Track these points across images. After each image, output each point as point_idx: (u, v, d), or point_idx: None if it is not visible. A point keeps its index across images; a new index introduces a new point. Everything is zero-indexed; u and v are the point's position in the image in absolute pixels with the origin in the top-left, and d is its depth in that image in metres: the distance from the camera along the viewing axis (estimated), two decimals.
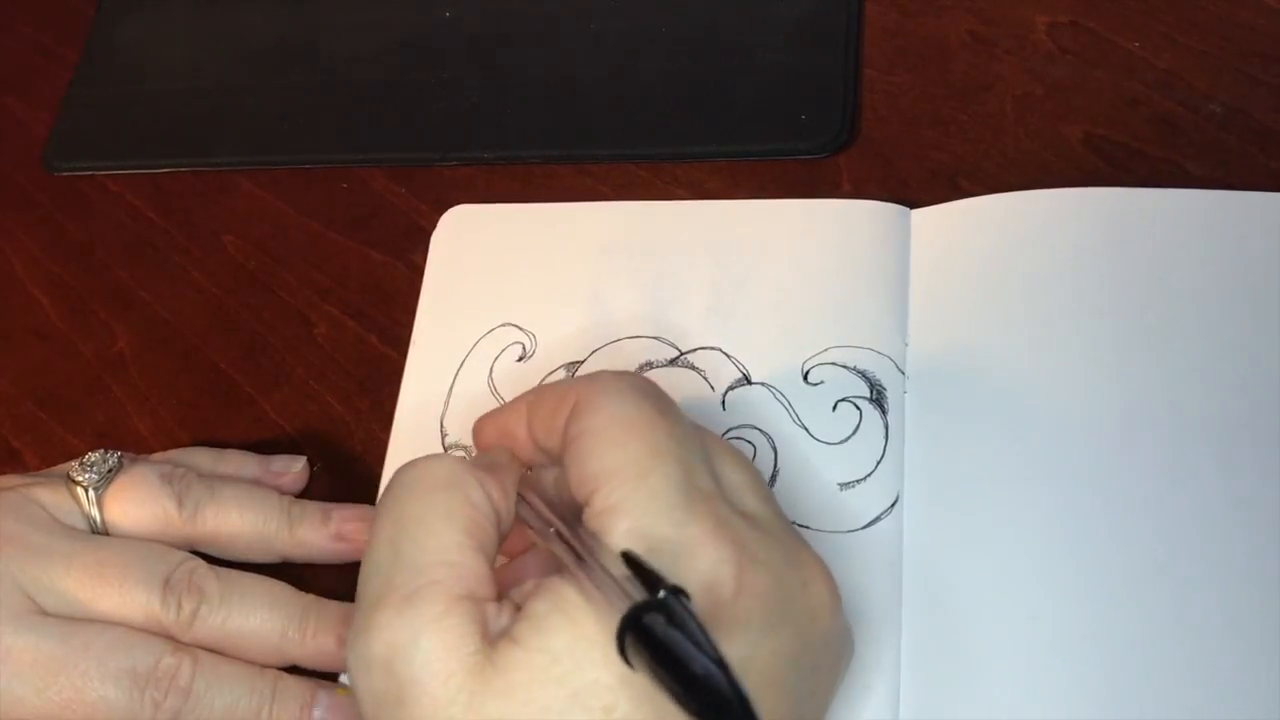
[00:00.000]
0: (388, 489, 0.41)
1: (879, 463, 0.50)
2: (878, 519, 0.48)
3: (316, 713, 0.46)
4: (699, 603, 0.35)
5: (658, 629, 0.33)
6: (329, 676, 0.48)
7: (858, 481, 0.49)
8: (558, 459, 0.41)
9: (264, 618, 0.47)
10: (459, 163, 0.61)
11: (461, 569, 0.38)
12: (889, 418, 0.50)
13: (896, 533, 0.48)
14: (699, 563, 0.37)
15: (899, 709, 0.45)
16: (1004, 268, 0.52)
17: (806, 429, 0.51)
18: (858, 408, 0.51)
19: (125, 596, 0.46)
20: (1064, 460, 0.48)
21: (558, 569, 0.39)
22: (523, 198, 0.59)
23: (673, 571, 0.35)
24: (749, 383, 0.52)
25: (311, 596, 0.48)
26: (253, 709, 0.46)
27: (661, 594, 0.33)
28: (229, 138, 0.64)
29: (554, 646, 0.36)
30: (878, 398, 0.51)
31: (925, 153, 0.57)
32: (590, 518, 0.38)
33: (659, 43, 0.62)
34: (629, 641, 0.33)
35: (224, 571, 0.47)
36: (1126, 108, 0.57)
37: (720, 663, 0.32)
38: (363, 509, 0.51)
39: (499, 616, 0.38)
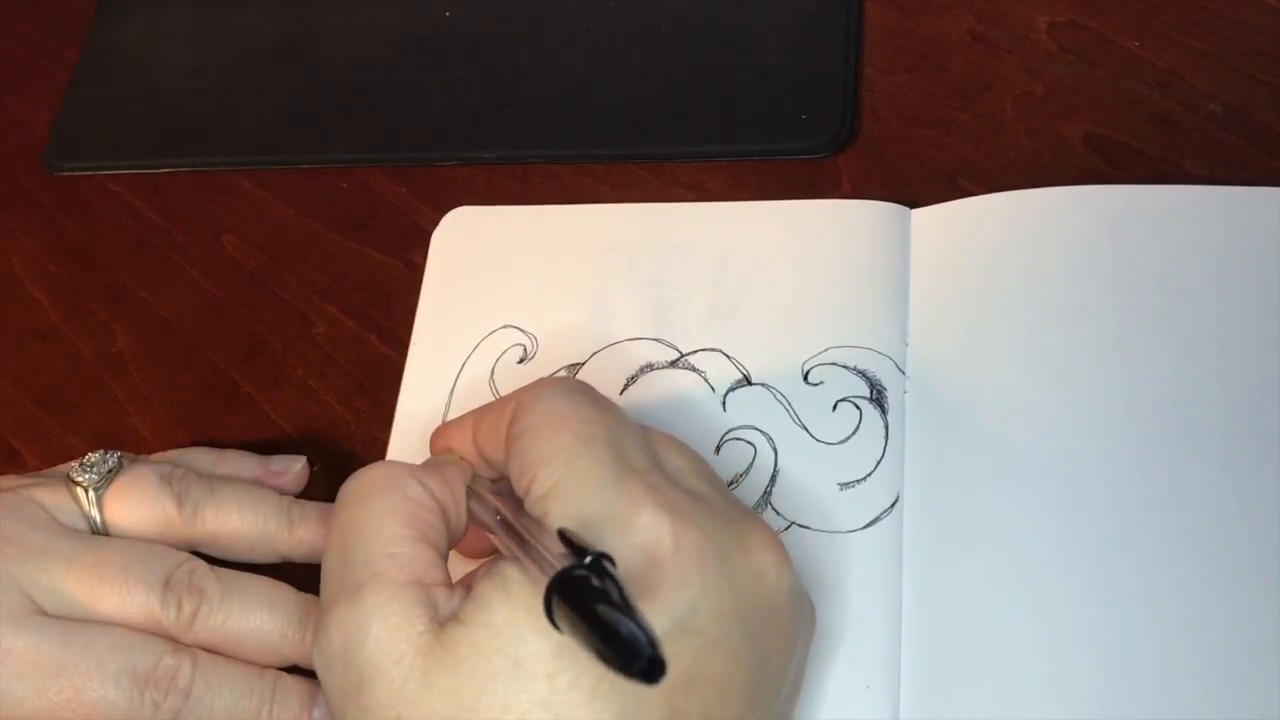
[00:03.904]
0: (336, 503, 0.42)
1: (879, 463, 0.50)
2: (878, 519, 0.48)
3: (316, 713, 0.46)
4: (635, 566, 0.37)
5: (583, 592, 0.34)
6: None
7: (858, 481, 0.49)
8: (502, 468, 0.43)
9: (264, 618, 0.47)
10: (459, 163, 0.61)
11: (403, 558, 0.40)
12: (889, 418, 0.50)
13: (896, 533, 0.48)
14: (633, 531, 0.38)
15: (899, 709, 0.45)
16: (1004, 267, 0.52)
17: (807, 429, 0.51)
18: (858, 408, 0.51)
19: (125, 597, 0.46)
20: (1064, 460, 0.48)
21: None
22: (523, 198, 0.59)
23: (606, 543, 0.37)
24: (749, 383, 0.52)
25: (311, 597, 0.48)
26: (252, 709, 0.46)
27: (587, 560, 0.35)
28: (229, 138, 0.64)
29: (495, 620, 0.38)
30: (878, 398, 0.51)
31: (925, 152, 0.57)
32: (530, 505, 0.40)
33: (659, 43, 0.62)
34: (556, 606, 0.35)
35: (224, 572, 0.47)
36: (1126, 107, 0.57)
37: (634, 616, 0.33)
38: None
39: (449, 600, 0.39)
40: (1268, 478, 0.47)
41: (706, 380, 0.53)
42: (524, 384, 0.53)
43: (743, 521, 0.41)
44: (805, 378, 0.52)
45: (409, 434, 0.53)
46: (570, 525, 0.38)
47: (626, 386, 0.53)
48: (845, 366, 0.52)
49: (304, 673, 0.47)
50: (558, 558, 0.37)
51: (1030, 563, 0.46)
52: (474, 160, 0.61)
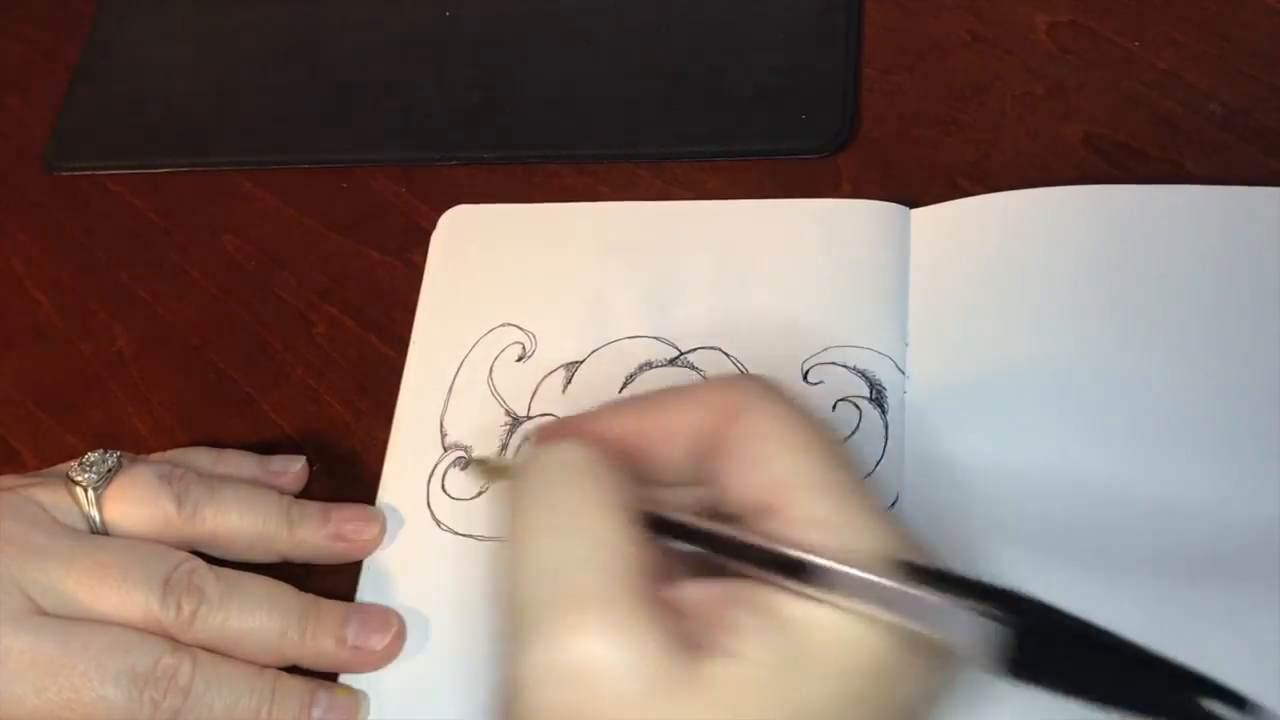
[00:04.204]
0: (529, 477, 0.37)
1: (879, 463, 0.50)
2: None
3: (316, 713, 0.46)
4: None
5: (1056, 634, 0.31)
6: (328, 676, 0.48)
7: None
8: (677, 475, 0.38)
9: (263, 618, 0.47)
10: (459, 163, 0.61)
11: (645, 561, 0.34)
12: (889, 418, 0.50)
13: None
14: None
15: None
16: (1004, 267, 0.52)
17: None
18: (857, 407, 0.51)
19: (125, 597, 0.46)
20: (1064, 459, 0.48)
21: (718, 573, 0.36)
22: (523, 198, 0.59)
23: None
24: None
25: (311, 596, 0.48)
26: (252, 709, 0.46)
27: (1019, 602, 0.32)
28: (229, 138, 0.64)
29: (767, 659, 0.33)
30: (877, 397, 0.51)
31: (925, 153, 0.57)
32: (784, 528, 0.35)
33: (659, 43, 0.62)
34: (1005, 655, 0.31)
35: (223, 571, 0.47)
36: (1126, 108, 0.57)
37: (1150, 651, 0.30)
38: (362, 509, 0.51)
39: (683, 623, 0.34)
40: (1269, 475, 0.47)
41: (705, 379, 0.52)
42: (523, 383, 0.53)
43: None
44: (805, 377, 0.52)
45: (409, 433, 0.53)
46: (856, 561, 0.33)
47: (625, 385, 0.53)
48: (845, 366, 0.52)
49: (303, 672, 0.48)
50: (895, 592, 0.33)
51: (1030, 563, 0.46)
52: (474, 160, 0.61)
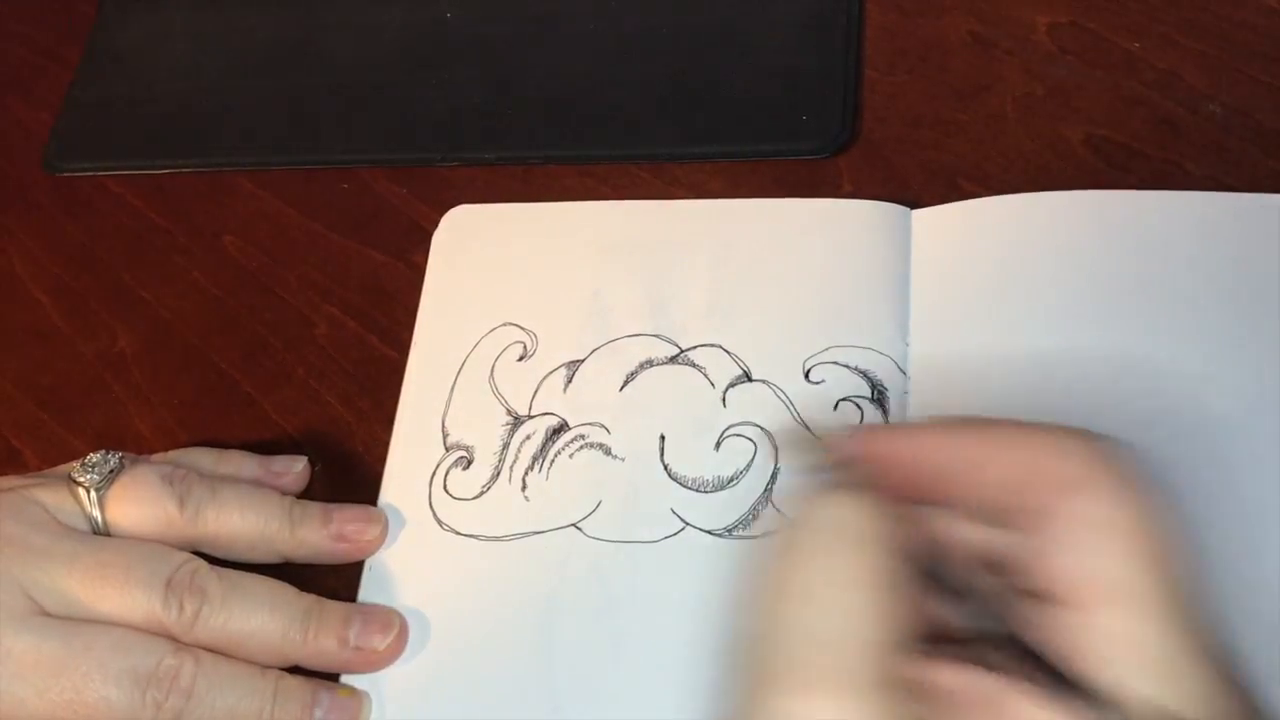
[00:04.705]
0: (793, 533, 0.34)
1: None
2: None
3: (318, 713, 0.46)
4: None
5: None
6: (330, 677, 0.48)
7: None
8: (981, 511, 0.34)
9: (265, 618, 0.47)
10: (459, 163, 0.61)
11: (880, 650, 0.32)
12: (890, 418, 0.50)
13: None
14: None
15: None
16: (1005, 269, 0.52)
17: (808, 428, 0.51)
18: (859, 407, 0.51)
19: (127, 597, 0.46)
20: None
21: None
22: (523, 198, 0.59)
23: None
24: (750, 380, 0.52)
25: (313, 597, 0.48)
26: (254, 709, 0.46)
27: None
28: (229, 138, 0.64)
29: None
30: (879, 397, 0.51)
31: (925, 153, 0.57)
32: (1082, 632, 0.31)
33: (659, 42, 0.62)
34: None
35: (225, 572, 0.47)
36: (1126, 108, 0.57)
37: None
38: (364, 509, 0.51)
39: (927, 700, 0.32)
40: (1267, 480, 0.47)
41: (706, 376, 0.53)
42: (524, 383, 0.53)
43: None
44: (806, 376, 0.52)
45: (410, 434, 0.53)
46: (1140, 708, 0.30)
47: (626, 383, 0.53)
48: (846, 366, 0.52)
49: (305, 673, 0.47)
50: None
51: None
52: (475, 161, 0.61)
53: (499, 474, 0.52)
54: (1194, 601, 0.31)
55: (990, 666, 0.32)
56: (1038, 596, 0.32)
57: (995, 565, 0.34)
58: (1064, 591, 0.32)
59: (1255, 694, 0.32)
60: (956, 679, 0.32)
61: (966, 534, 0.35)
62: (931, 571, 0.34)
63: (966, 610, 0.33)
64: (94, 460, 0.49)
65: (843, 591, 0.32)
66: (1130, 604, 0.31)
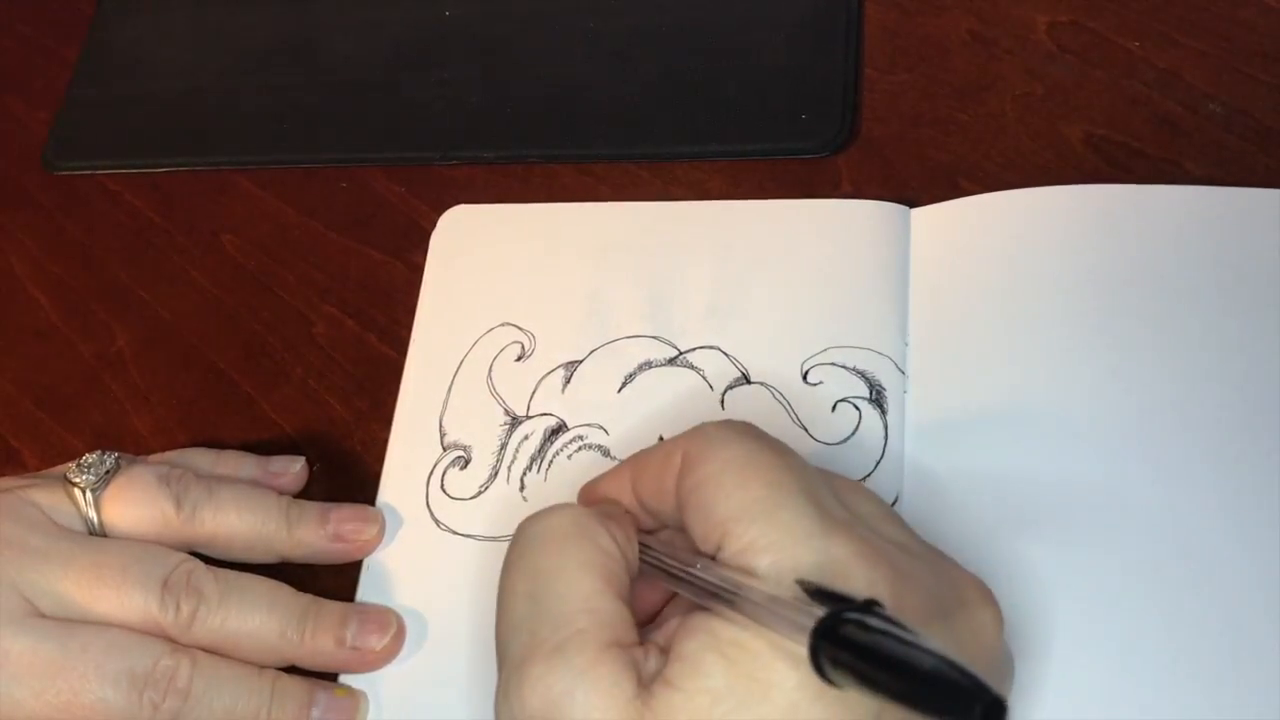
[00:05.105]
0: (514, 544, 0.41)
1: (879, 463, 0.50)
2: None
3: (315, 713, 0.46)
4: None
5: (860, 638, 0.32)
6: (328, 677, 0.48)
7: None
8: (668, 520, 0.42)
9: (262, 618, 0.47)
10: (459, 163, 0.61)
11: (604, 615, 0.38)
12: (889, 418, 0.50)
13: None
14: (852, 585, 0.36)
15: None
16: (1004, 266, 0.52)
17: (806, 429, 0.51)
18: (857, 408, 0.51)
19: (123, 598, 0.46)
20: (1064, 460, 0.48)
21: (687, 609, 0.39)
22: (523, 198, 0.59)
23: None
24: (748, 382, 0.52)
25: (310, 597, 0.48)
26: (251, 709, 0.46)
27: (856, 603, 0.33)
28: (229, 138, 0.64)
29: (714, 686, 0.36)
30: (877, 398, 0.51)
31: (925, 152, 0.57)
32: (727, 560, 0.38)
33: (659, 42, 0.62)
34: (827, 657, 0.33)
35: (222, 572, 0.47)
36: (1126, 108, 0.56)
37: (944, 655, 0.31)
38: (361, 509, 0.51)
39: (646, 660, 0.37)
40: (1267, 477, 0.47)
41: (705, 378, 0.52)
42: (522, 383, 0.53)
43: (954, 573, 0.39)
44: (804, 377, 0.52)
45: (408, 433, 0.53)
46: (783, 579, 0.36)
47: (624, 384, 0.53)
48: (844, 366, 0.52)
49: (302, 673, 0.47)
50: (791, 609, 0.34)
51: (1029, 563, 0.46)
52: (474, 160, 0.61)
53: (497, 474, 0.52)
54: (811, 494, 0.38)
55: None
56: (711, 556, 0.38)
57: (693, 547, 0.40)
58: (712, 543, 0.38)
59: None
60: (674, 626, 0.38)
61: (669, 540, 0.42)
62: (651, 562, 0.41)
63: (689, 588, 0.39)
64: (90, 461, 0.49)
65: (550, 587, 0.39)
66: (747, 519, 0.37)
